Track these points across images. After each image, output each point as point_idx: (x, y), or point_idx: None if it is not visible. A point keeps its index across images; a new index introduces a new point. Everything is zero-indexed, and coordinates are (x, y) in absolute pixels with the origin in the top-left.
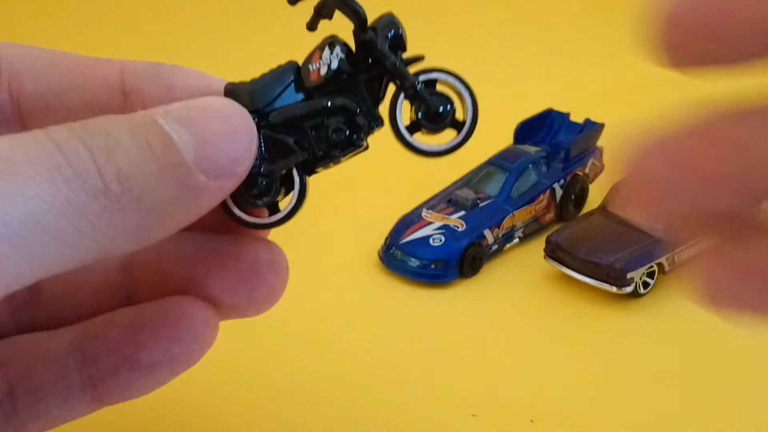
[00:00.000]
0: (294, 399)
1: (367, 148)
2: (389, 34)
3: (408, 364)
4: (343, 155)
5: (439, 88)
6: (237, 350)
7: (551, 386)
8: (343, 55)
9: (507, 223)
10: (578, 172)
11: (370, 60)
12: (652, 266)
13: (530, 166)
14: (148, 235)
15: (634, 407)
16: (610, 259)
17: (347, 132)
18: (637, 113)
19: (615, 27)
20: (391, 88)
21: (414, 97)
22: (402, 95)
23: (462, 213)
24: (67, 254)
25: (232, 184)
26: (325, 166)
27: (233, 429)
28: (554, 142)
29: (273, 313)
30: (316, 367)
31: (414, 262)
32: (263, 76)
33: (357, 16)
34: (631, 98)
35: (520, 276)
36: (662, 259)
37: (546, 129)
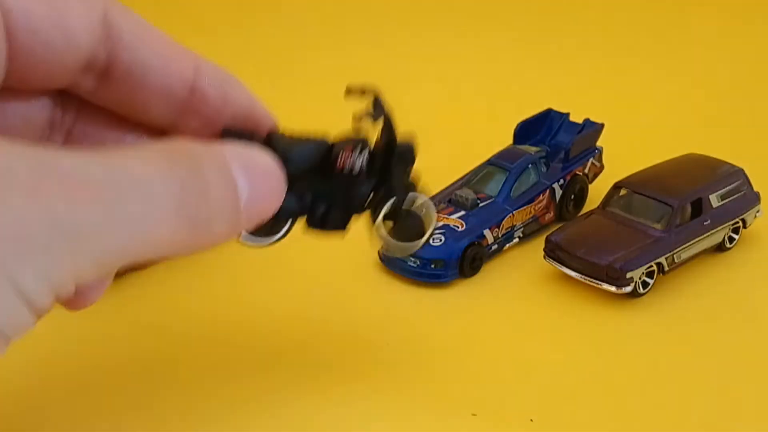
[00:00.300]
0: (294, 399)
1: (345, 231)
2: (403, 164)
3: (408, 363)
4: (326, 230)
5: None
6: (237, 350)
7: (551, 385)
8: (365, 163)
9: (507, 223)
10: (578, 172)
11: (380, 171)
12: (651, 266)
13: (530, 166)
14: (193, 251)
15: (634, 406)
16: (610, 258)
17: (341, 217)
18: (637, 113)
19: (615, 27)
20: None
21: (395, 211)
22: (390, 203)
23: (462, 213)
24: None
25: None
26: (312, 226)
27: (235, 427)
28: (554, 142)
29: (274, 311)
30: (316, 366)
31: (414, 262)
32: (300, 143)
33: (389, 140)
34: (631, 98)
35: (520, 276)
36: (661, 259)
37: (545, 129)
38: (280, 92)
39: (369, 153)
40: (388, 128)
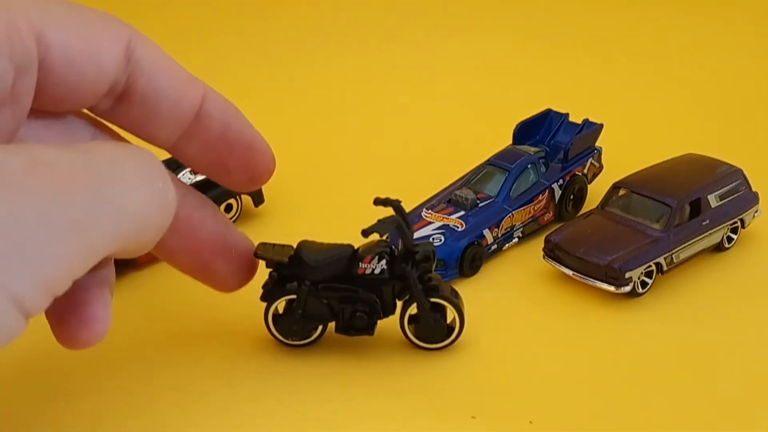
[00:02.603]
0: (293, 399)
1: (372, 334)
2: (422, 266)
3: (407, 364)
4: (353, 335)
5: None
6: (237, 350)
7: (550, 386)
8: (385, 267)
9: (506, 223)
10: (577, 173)
11: (401, 274)
12: (650, 266)
13: (529, 166)
14: (162, 231)
15: (633, 406)
16: (609, 258)
17: (366, 319)
18: (636, 114)
19: (615, 28)
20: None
21: (420, 310)
22: (413, 303)
23: (461, 213)
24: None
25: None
26: (340, 331)
27: (235, 427)
28: (553, 143)
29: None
30: (315, 366)
31: None
32: (327, 251)
33: (405, 242)
34: (631, 98)
35: (519, 275)
36: (660, 259)
37: (545, 129)
38: (279, 92)
39: (389, 258)
40: (403, 235)
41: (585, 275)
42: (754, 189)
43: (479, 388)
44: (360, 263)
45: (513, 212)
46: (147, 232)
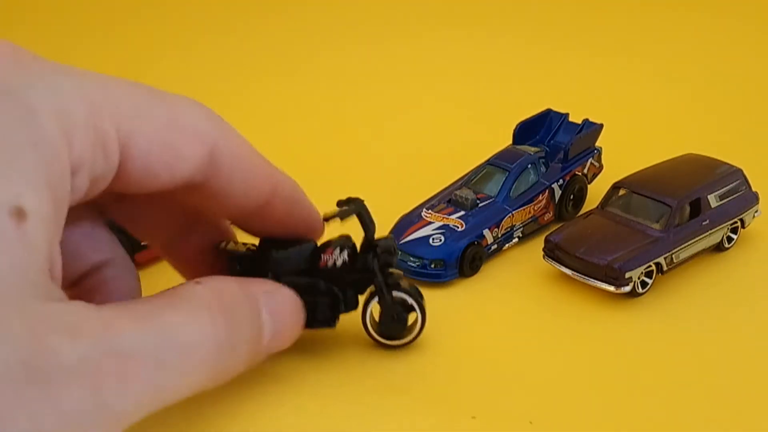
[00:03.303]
0: (293, 399)
1: (334, 326)
2: (384, 259)
3: (407, 363)
4: (315, 327)
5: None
6: None
7: (550, 386)
8: (346, 259)
9: (506, 223)
10: (577, 173)
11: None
12: (650, 266)
13: (529, 166)
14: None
15: (633, 406)
16: (609, 258)
17: (328, 311)
18: (636, 114)
19: (615, 28)
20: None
21: (382, 304)
22: (376, 298)
23: (461, 213)
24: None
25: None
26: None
27: (235, 427)
28: (553, 143)
29: None
30: (315, 366)
31: (414, 262)
32: (289, 246)
33: (366, 233)
34: (630, 98)
35: (519, 275)
36: (660, 259)
37: (545, 129)
38: (279, 92)
39: (350, 250)
40: (365, 227)
41: (585, 275)
42: (754, 189)
43: (479, 388)
44: (322, 255)
45: (513, 212)
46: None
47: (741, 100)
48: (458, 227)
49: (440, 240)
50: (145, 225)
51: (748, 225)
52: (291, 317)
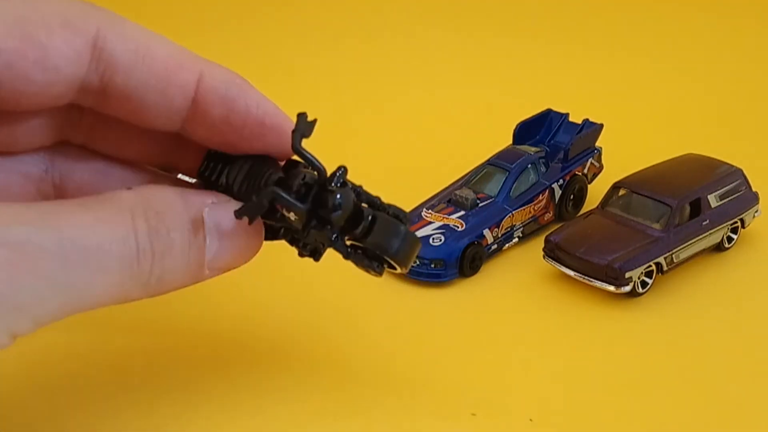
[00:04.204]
0: (293, 398)
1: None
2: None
3: (407, 362)
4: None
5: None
6: (237, 351)
7: (550, 385)
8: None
9: (506, 222)
10: (577, 172)
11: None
12: (650, 266)
13: (529, 166)
14: (150, 295)
15: (633, 405)
16: (609, 258)
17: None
18: (636, 113)
19: (615, 28)
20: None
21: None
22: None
23: (462, 213)
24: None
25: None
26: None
27: (235, 427)
28: (553, 143)
29: (273, 311)
30: (315, 366)
31: (414, 262)
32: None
33: (319, 175)
34: (631, 98)
35: (519, 275)
36: (660, 259)
37: (545, 129)
38: (279, 92)
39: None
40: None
41: (585, 275)
42: (754, 189)
43: (479, 386)
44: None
45: (513, 212)
46: (122, 302)
47: (741, 100)
48: (458, 227)
49: (440, 240)
50: (143, 118)
51: (748, 225)
52: (239, 232)
